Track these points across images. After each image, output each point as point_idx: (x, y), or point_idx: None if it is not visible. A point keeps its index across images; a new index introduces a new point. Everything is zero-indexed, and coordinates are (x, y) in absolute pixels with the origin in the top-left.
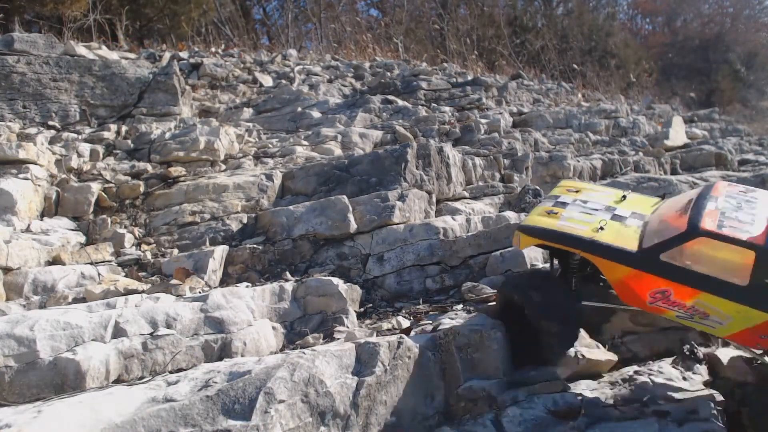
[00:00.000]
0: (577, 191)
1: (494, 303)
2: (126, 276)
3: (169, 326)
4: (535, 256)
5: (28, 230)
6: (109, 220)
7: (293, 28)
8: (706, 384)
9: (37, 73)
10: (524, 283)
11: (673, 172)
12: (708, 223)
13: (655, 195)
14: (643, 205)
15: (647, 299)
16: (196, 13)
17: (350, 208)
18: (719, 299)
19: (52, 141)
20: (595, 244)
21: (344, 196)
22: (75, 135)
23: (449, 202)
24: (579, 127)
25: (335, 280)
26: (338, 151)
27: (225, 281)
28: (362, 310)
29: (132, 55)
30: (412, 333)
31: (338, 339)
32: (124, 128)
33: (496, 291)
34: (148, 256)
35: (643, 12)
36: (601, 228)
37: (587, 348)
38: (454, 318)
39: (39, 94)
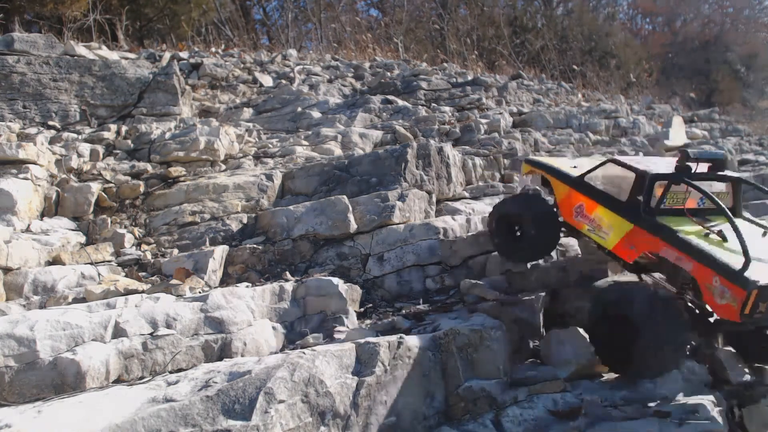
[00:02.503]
0: None
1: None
2: (126, 276)
3: (169, 326)
4: None
5: (28, 230)
6: (109, 220)
7: (293, 28)
8: (706, 384)
9: (37, 73)
10: (518, 200)
11: None
12: (621, 157)
13: None
14: None
15: (572, 213)
16: (196, 13)
17: (350, 208)
18: (606, 211)
19: (52, 141)
20: (554, 169)
21: (344, 196)
22: (75, 135)
23: (449, 202)
24: (579, 127)
25: (335, 280)
26: (338, 151)
27: (225, 281)
28: (362, 310)
29: (132, 55)
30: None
31: (338, 339)
32: (124, 128)
33: (491, 212)
34: (148, 256)
35: (643, 12)
36: (574, 167)
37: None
38: (455, 318)
39: (39, 94)
